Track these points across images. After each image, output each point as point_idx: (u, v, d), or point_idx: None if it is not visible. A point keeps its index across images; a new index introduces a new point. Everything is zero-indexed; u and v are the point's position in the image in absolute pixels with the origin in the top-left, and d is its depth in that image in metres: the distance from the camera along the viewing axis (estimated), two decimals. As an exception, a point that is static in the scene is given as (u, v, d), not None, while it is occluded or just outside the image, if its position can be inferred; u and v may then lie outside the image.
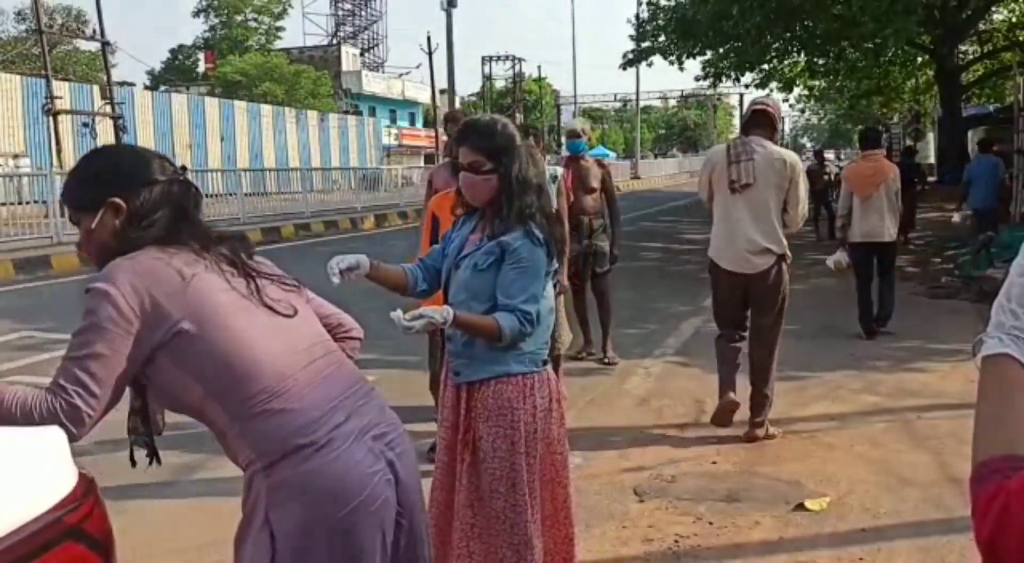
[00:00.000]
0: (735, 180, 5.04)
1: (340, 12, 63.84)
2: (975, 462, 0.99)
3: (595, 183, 6.76)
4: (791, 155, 5.22)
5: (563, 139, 7.60)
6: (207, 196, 20.95)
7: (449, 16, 31.31)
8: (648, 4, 24.09)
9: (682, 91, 74.51)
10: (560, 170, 5.83)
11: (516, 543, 2.84)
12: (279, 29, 65.25)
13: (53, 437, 1.43)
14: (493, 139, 2.76)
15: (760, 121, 5.16)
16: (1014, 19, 23.53)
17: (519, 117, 53.38)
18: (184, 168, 2.12)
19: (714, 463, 4.80)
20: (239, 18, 63.37)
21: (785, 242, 5.15)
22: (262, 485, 1.86)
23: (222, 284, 1.87)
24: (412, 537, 2.00)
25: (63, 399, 1.74)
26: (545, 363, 2.83)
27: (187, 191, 1.99)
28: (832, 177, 17.44)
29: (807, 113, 71.34)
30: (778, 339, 5.33)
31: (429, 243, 4.35)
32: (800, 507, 4.16)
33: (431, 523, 2.84)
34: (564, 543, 3.02)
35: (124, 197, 1.90)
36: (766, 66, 24.21)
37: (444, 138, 5.71)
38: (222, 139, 36.94)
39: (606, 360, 7.03)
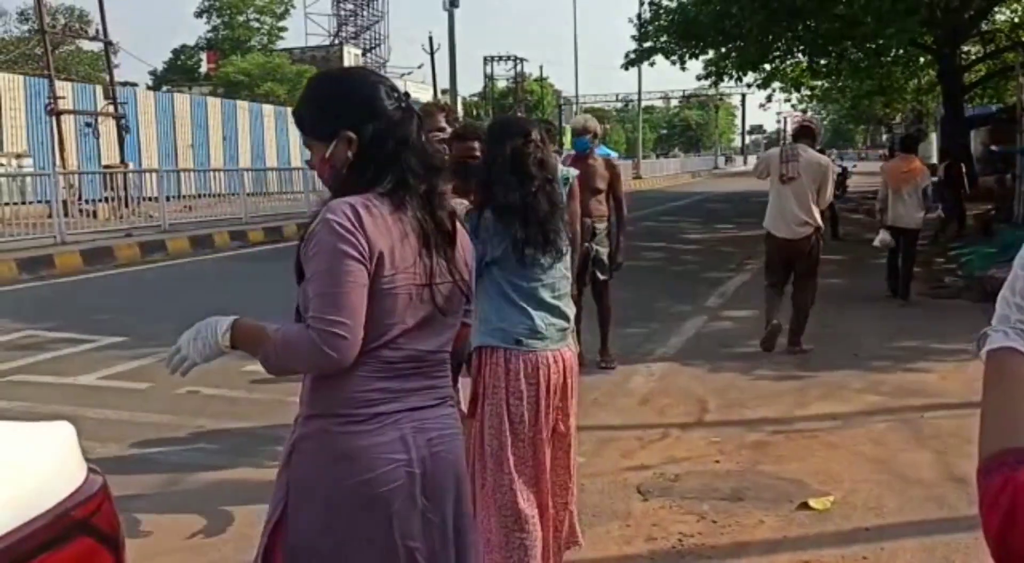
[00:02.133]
0: (784, 174, 7.06)
1: (342, 12, 63.86)
2: (982, 455, 0.99)
3: (601, 184, 6.51)
4: (824, 159, 7.54)
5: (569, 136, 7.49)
6: (209, 196, 21.04)
7: (451, 16, 31.33)
8: (650, 4, 24.05)
9: (684, 91, 74.66)
10: (573, 172, 5.43)
11: (507, 525, 2.95)
12: (281, 29, 65.35)
13: (63, 431, 1.44)
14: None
15: (805, 133, 7.52)
16: (1016, 19, 23.47)
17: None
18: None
19: (717, 462, 4.81)
20: (241, 18, 63.40)
21: (819, 218, 7.17)
22: (297, 432, 2.00)
23: (406, 252, 1.93)
24: (446, 538, 2.04)
25: (322, 330, 1.82)
26: (519, 342, 2.98)
27: (411, 119, 2.02)
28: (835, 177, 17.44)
29: (809, 113, 71.27)
30: (814, 287, 7.34)
31: None
32: (803, 506, 4.16)
33: None
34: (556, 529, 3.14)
35: (355, 130, 1.95)
36: (768, 66, 24.18)
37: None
38: (224, 139, 36.93)
39: (602, 364, 6.84)
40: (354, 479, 1.92)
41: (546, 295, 3.05)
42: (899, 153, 10.42)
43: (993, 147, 15.88)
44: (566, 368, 3.09)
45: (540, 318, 3.02)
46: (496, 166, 3.01)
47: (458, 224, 2.10)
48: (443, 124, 5.10)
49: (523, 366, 2.98)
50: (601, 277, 6.63)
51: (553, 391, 3.04)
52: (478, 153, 3.36)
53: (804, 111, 34.33)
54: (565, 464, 3.18)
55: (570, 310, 3.18)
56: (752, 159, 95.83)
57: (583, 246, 6.34)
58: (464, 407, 4.83)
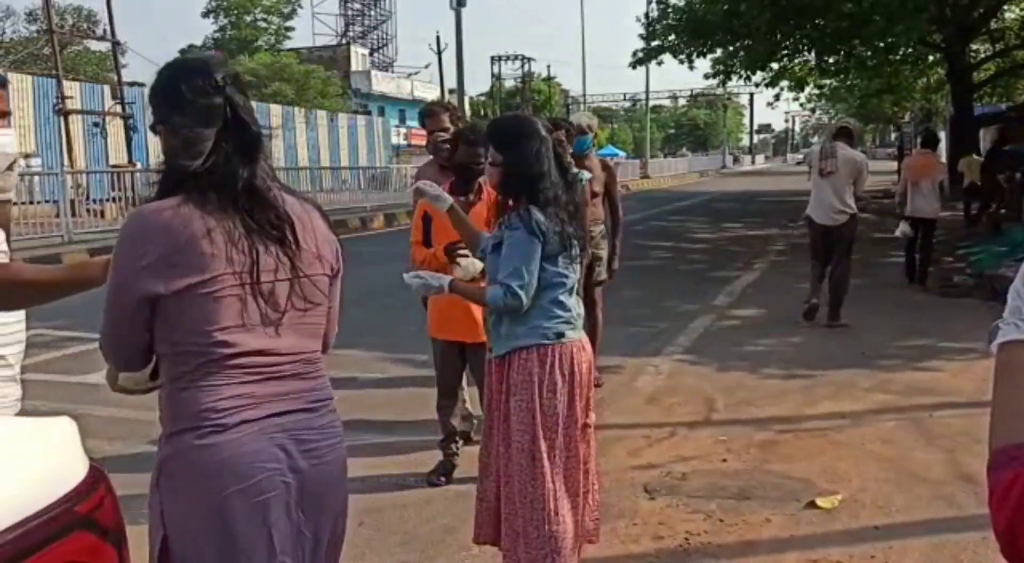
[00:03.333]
0: (823, 169, 8.19)
1: (349, 12, 63.93)
2: (992, 449, 0.98)
3: (597, 186, 6.21)
4: (860, 155, 8.69)
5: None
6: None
7: (458, 15, 31.27)
8: (658, 3, 24.02)
9: (692, 90, 74.52)
10: (587, 174, 5.35)
11: (538, 519, 2.96)
12: (288, 29, 65.40)
13: (64, 427, 1.43)
14: (498, 134, 3.17)
15: (844, 133, 8.58)
16: (1026, 17, 23.43)
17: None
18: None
19: (724, 461, 4.79)
20: (248, 18, 63.50)
21: (854, 206, 8.31)
22: (163, 452, 1.88)
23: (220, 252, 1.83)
24: (316, 557, 1.97)
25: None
26: (560, 336, 3.01)
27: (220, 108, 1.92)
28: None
29: (817, 112, 71.09)
30: (848, 264, 8.49)
31: (421, 240, 4.34)
32: (811, 505, 4.14)
33: (481, 489, 3.19)
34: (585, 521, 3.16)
35: (163, 124, 1.94)
36: (776, 65, 24.10)
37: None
38: (231, 139, 37.00)
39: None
40: (227, 491, 1.82)
41: (576, 286, 3.15)
42: (919, 149, 11.56)
43: (1007, 147, 15.85)
44: (587, 356, 3.14)
45: (574, 308, 3.11)
46: (541, 162, 2.99)
47: (310, 215, 1.99)
48: (447, 124, 5.08)
49: (558, 358, 3.01)
50: (595, 278, 6.21)
51: (582, 381, 3.08)
52: (483, 161, 3.47)
53: (812, 110, 34.28)
54: (589, 456, 3.19)
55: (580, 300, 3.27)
56: (760, 158, 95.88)
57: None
58: (471, 408, 4.83)
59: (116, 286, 1.83)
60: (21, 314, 2.31)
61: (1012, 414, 0.99)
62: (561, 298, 3.03)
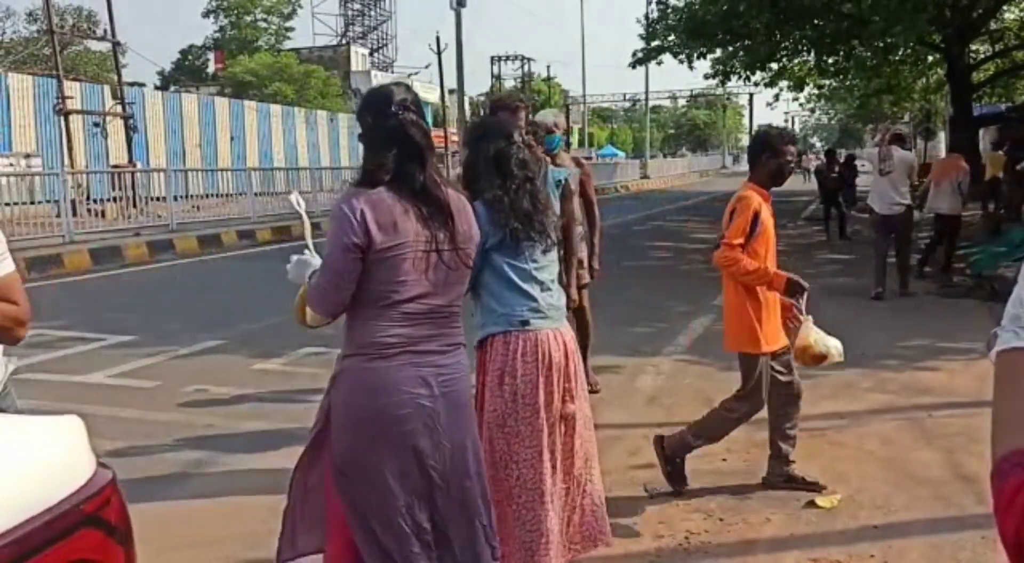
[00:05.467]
0: (882, 169, 10.00)
1: (349, 12, 63.91)
2: (995, 457, 0.97)
3: (573, 185, 5.77)
4: (910, 155, 10.77)
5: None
6: (217, 195, 21.08)
7: (458, 16, 31.24)
8: (658, 3, 24.01)
9: (692, 91, 74.48)
10: (564, 172, 5.14)
11: (521, 517, 3.00)
12: (288, 29, 65.40)
13: (71, 425, 1.45)
14: (465, 136, 3.39)
15: (898, 138, 10.61)
16: (1026, 18, 23.42)
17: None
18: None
19: (724, 460, 4.80)
20: (248, 18, 63.48)
21: (910, 198, 10.23)
22: (336, 367, 2.56)
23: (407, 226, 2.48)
24: (455, 461, 2.56)
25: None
26: (525, 324, 3.10)
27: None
28: (842, 177, 17.36)
29: (817, 112, 71.05)
30: (908, 248, 10.31)
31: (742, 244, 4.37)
32: (811, 504, 4.15)
33: None
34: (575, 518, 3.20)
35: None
36: (775, 65, 24.10)
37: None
38: (232, 139, 37.00)
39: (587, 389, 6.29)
40: (379, 403, 2.46)
41: (544, 277, 3.19)
42: (948, 152, 13.39)
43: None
44: (567, 347, 3.18)
45: (541, 298, 3.15)
46: (478, 164, 3.16)
47: (464, 205, 2.63)
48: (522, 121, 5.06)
49: (522, 345, 3.08)
50: (581, 282, 5.86)
51: (556, 370, 3.11)
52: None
53: (812, 110, 34.29)
54: (571, 449, 3.20)
55: (562, 294, 3.33)
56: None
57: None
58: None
59: (337, 246, 2.42)
60: None
61: (1014, 421, 0.99)
62: (524, 287, 3.11)
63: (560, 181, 4.71)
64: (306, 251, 2.81)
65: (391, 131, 2.51)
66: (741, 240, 4.15)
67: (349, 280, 2.44)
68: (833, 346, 4.18)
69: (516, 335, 3.09)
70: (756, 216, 4.18)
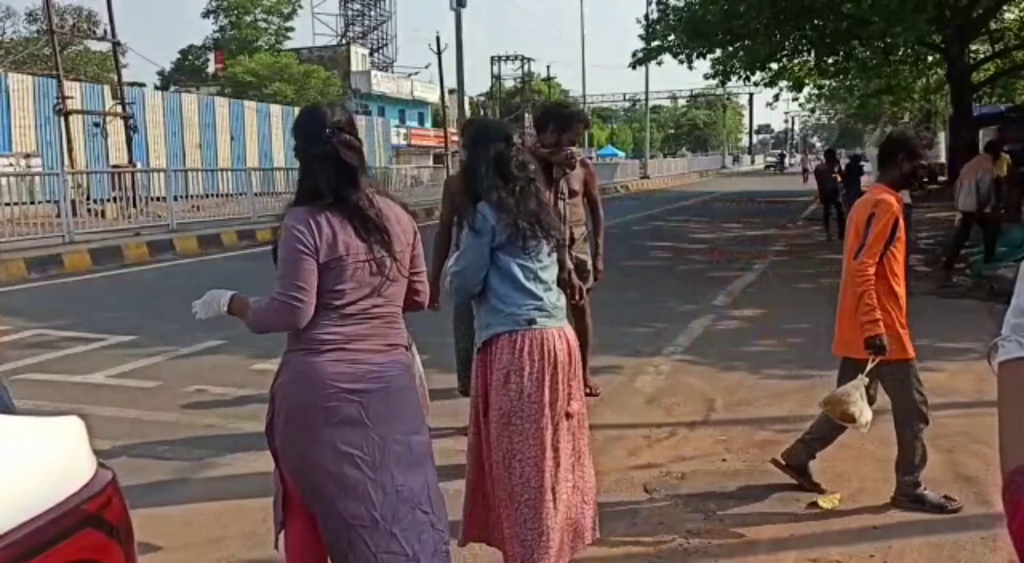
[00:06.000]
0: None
1: (349, 12, 63.84)
2: (1005, 471, 0.96)
3: (576, 186, 5.78)
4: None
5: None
6: (217, 196, 21.07)
7: (458, 16, 31.24)
8: (657, 4, 24.01)
9: (692, 91, 74.55)
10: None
11: (516, 510, 3.01)
12: (288, 29, 65.29)
13: (72, 426, 1.45)
14: (465, 139, 3.46)
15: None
16: (1025, 18, 23.42)
17: (528, 117, 53.24)
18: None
19: (724, 461, 4.80)
20: (248, 18, 63.43)
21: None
22: (284, 359, 2.75)
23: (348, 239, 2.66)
24: (386, 452, 2.68)
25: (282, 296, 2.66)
26: (531, 323, 3.12)
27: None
28: (841, 177, 17.36)
29: (817, 113, 71.09)
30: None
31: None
32: (811, 505, 4.16)
33: (468, 487, 3.26)
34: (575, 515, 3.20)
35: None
36: (775, 65, 24.10)
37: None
38: (232, 139, 36.99)
39: (586, 392, 6.19)
40: (312, 395, 2.64)
41: (548, 276, 3.22)
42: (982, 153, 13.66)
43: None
44: (570, 345, 3.20)
45: (546, 297, 3.18)
46: (480, 167, 3.19)
47: (401, 214, 2.80)
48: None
49: (528, 343, 3.10)
50: (584, 285, 5.70)
51: (561, 368, 3.13)
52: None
53: (812, 110, 34.29)
54: (573, 447, 3.20)
55: (563, 294, 3.35)
56: (759, 158, 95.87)
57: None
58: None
59: (294, 260, 2.59)
60: None
61: (1022, 434, 0.98)
62: (529, 287, 3.13)
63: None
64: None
65: (325, 156, 2.67)
66: (880, 249, 4.03)
67: (310, 291, 2.60)
68: (867, 419, 4.04)
69: (522, 334, 3.11)
70: (896, 221, 4.08)
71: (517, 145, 3.23)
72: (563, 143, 5.02)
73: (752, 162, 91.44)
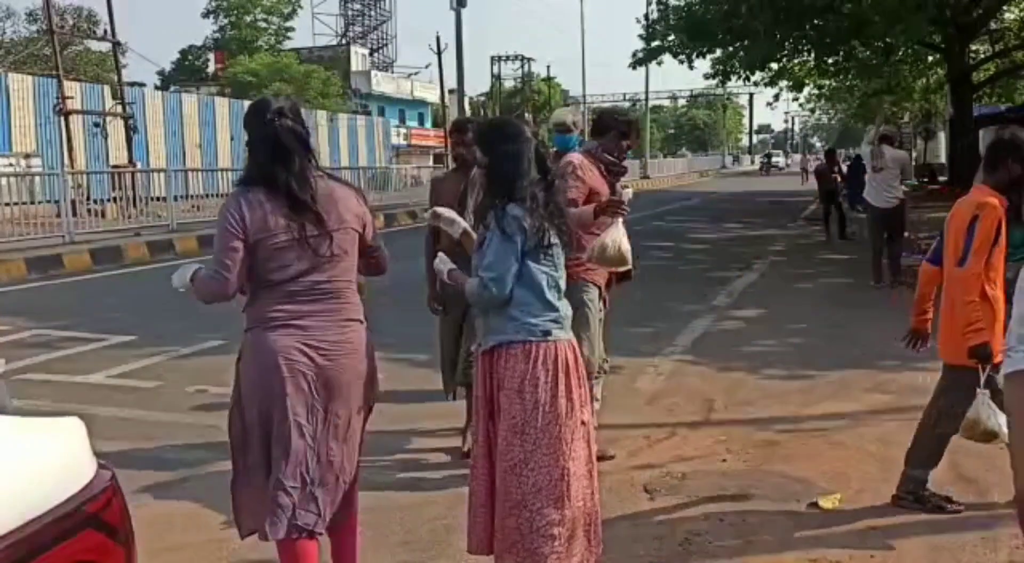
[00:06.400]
0: (875, 166, 10.95)
1: (349, 12, 63.87)
2: (1020, 487, 0.95)
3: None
4: (902, 153, 12.24)
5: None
6: (217, 196, 21.05)
7: (458, 16, 31.26)
8: (658, 4, 24.04)
9: (692, 91, 74.54)
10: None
11: (526, 520, 2.97)
12: (288, 29, 65.25)
13: (73, 427, 1.45)
14: (483, 137, 3.33)
15: (886, 139, 11.69)
16: (1026, 18, 23.42)
17: (528, 116, 53.24)
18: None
19: (724, 461, 4.80)
20: (248, 18, 63.41)
21: (902, 193, 10.96)
22: (243, 338, 3.00)
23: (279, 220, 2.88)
24: (328, 424, 2.96)
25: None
26: (547, 334, 3.05)
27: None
28: (842, 177, 17.36)
29: (817, 113, 71.05)
30: (901, 239, 10.98)
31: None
32: (811, 505, 4.15)
33: (471, 492, 3.18)
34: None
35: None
36: (775, 65, 24.12)
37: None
38: (232, 139, 36.98)
39: None
40: (264, 369, 2.89)
41: (563, 285, 3.18)
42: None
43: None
44: (577, 356, 3.16)
45: (563, 308, 3.14)
46: (521, 163, 3.07)
47: (346, 195, 3.02)
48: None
49: (543, 354, 3.03)
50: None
51: (572, 376, 3.08)
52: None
53: (812, 110, 34.31)
54: (587, 456, 3.15)
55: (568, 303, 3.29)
56: (759, 158, 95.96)
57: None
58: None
59: (220, 239, 2.84)
60: None
61: None
62: (548, 296, 3.07)
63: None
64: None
65: (265, 137, 2.87)
66: (987, 253, 3.84)
67: (232, 266, 2.84)
68: (1004, 428, 3.82)
69: (537, 344, 3.04)
70: (1000, 225, 3.88)
71: (538, 142, 3.16)
72: (623, 149, 5.05)
73: (752, 162, 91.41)
